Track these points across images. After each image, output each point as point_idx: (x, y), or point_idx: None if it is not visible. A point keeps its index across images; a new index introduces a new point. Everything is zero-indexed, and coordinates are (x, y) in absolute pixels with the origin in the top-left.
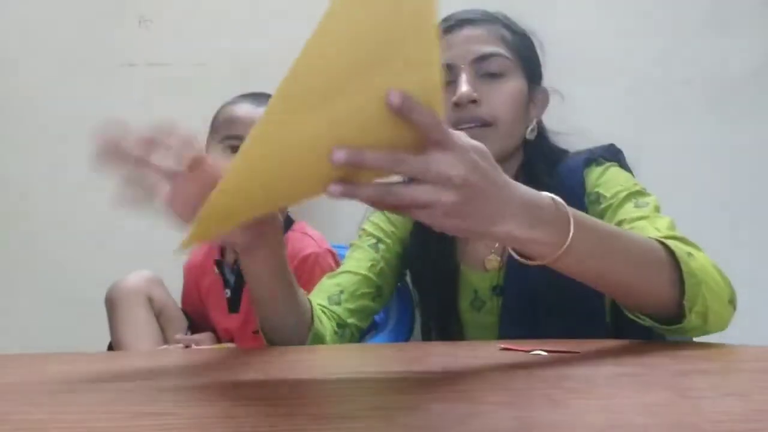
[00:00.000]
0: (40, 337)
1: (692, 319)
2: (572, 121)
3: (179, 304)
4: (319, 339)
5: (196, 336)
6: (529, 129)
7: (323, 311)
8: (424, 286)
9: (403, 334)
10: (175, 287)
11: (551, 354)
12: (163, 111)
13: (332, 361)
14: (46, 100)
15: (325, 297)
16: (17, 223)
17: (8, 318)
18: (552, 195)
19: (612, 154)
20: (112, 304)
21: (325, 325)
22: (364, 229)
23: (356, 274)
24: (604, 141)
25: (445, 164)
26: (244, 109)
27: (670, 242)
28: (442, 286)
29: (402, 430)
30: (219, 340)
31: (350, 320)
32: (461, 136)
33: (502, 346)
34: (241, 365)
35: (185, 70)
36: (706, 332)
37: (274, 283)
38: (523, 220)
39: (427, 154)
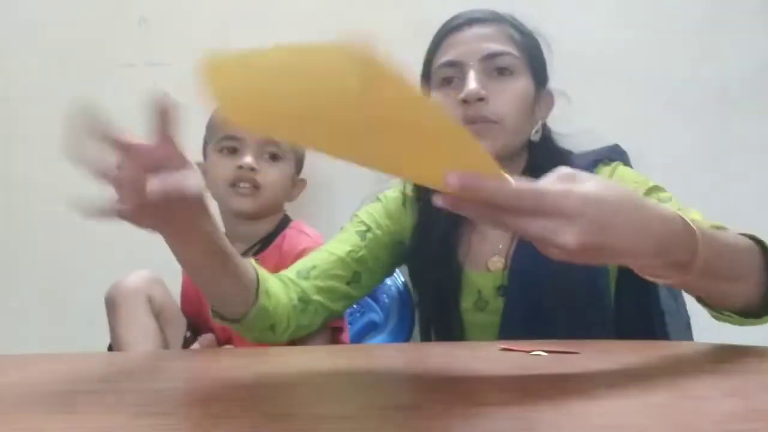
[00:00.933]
0: (40, 337)
1: None
2: (572, 122)
3: (179, 305)
4: (263, 314)
5: (199, 340)
6: (534, 130)
7: (286, 282)
8: (424, 285)
9: (403, 335)
10: (175, 288)
11: (551, 354)
12: None
13: (332, 361)
14: (46, 100)
15: (294, 271)
16: (17, 223)
17: (8, 318)
18: (684, 216)
19: (617, 155)
20: (111, 304)
21: (279, 299)
22: (356, 215)
23: (333, 254)
24: (605, 141)
25: (554, 232)
26: None
27: (758, 236)
28: (445, 286)
29: (402, 430)
30: (219, 342)
31: (316, 297)
32: (555, 197)
33: (503, 346)
34: (241, 365)
35: (185, 70)
36: None
37: (204, 264)
38: (649, 252)
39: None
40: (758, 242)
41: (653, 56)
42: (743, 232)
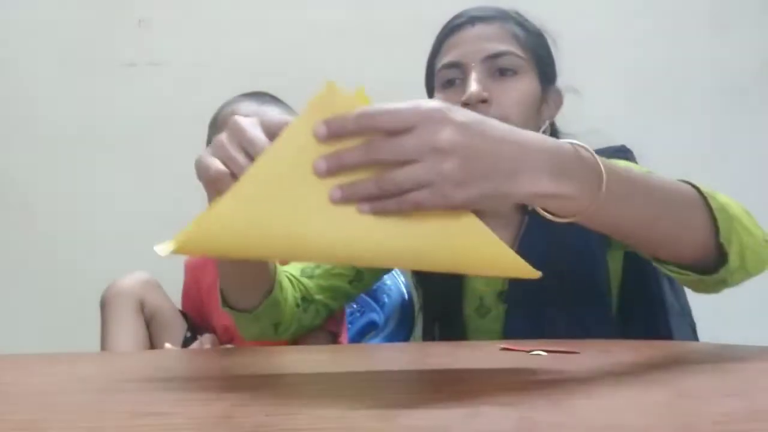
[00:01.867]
0: (40, 337)
1: (732, 259)
2: (573, 121)
3: (178, 306)
4: (273, 306)
5: (199, 340)
6: (542, 130)
7: (291, 280)
8: (427, 289)
9: (403, 335)
10: (174, 288)
11: (551, 354)
12: (163, 111)
13: (332, 361)
14: (46, 100)
15: (299, 268)
16: (17, 223)
17: (8, 318)
18: (571, 140)
19: (622, 154)
20: (103, 308)
21: (287, 296)
22: None
23: None
24: (606, 141)
25: (425, 135)
26: (248, 109)
27: (694, 182)
28: (448, 291)
29: (402, 430)
30: (220, 342)
31: (318, 296)
32: (417, 104)
33: (503, 346)
34: (240, 365)
35: (185, 70)
36: (748, 274)
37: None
38: (544, 172)
39: (398, 136)
40: (696, 189)
41: (654, 56)
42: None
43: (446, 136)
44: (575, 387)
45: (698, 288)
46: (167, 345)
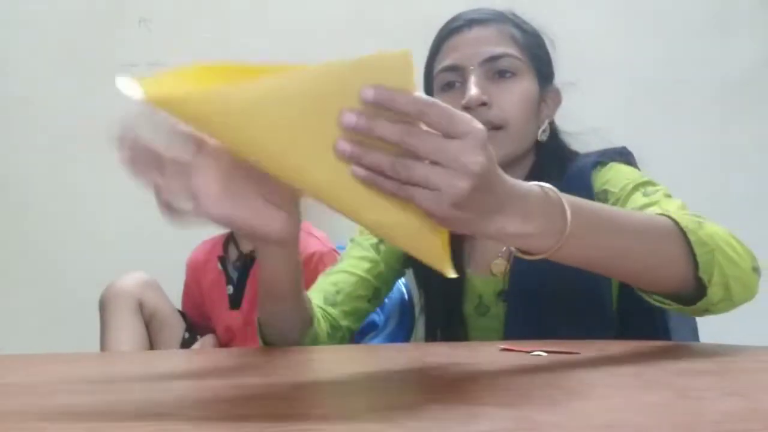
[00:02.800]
0: (39, 337)
1: (714, 291)
2: (572, 121)
3: (178, 306)
4: (314, 340)
5: (200, 341)
6: (541, 130)
7: (320, 310)
8: (428, 289)
9: (403, 336)
10: (174, 288)
11: (551, 354)
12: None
13: (332, 361)
14: (46, 100)
15: (321, 297)
16: (17, 223)
17: (8, 318)
18: (541, 183)
19: (622, 156)
20: (102, 308)
21: (323, 327)
22: None
23: (353, 274)
24: (606, 141)
25: (464, 150)
26: None
27: (676, 215)
28: (448, 290)
29: (402, 430)
30: (220, 341)
31: (344, 322)
32: (471, 120)
33: (502, 346)
34: (241, 365)
35: None
36: (733, 303)
37: (287, 282)
38: (514, 214)
39: (443, 138)
40: (670, 218)
41: (653, 56)
42: (666, 214)
43: (481, 160)
44: (575, 387)
45: (683, 313)
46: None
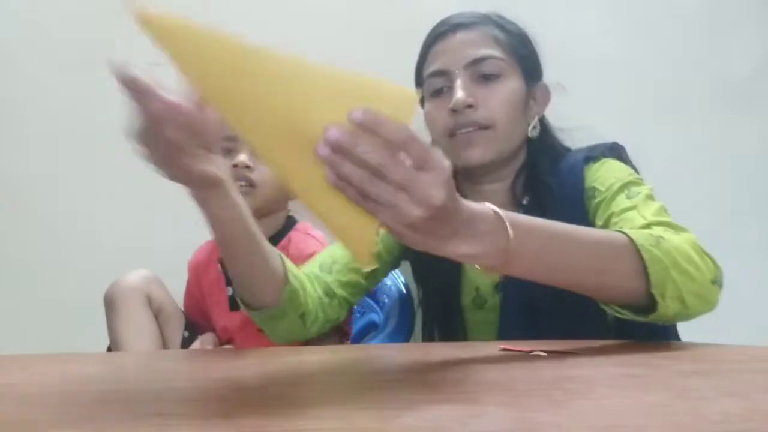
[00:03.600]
0: (39, 337)
1: (669, 305)
2: (572, 121)
3: (179, 304)
4: (294, 296)
5: (199, 339)
6: (531, 127)
7: (309, 277)
8: (426, 282)
9: (403, 335)
10: (174, 288)
11: (551, 354)
12: None
13: (332, 361)
14: (46, 100)
15: (316, 265)
16: (17, 223)
17: (8, 318)
18: (492, 207)
19: (613, 151)
20: (110, 303)
21: (306, 287)
22: None
23: None
24: (602, 138)
25: (429, 183)
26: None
27: (634, 233)
28: (445, 283)
29: (402, 430)
30: (219, 342)
31: (339, 291)
32: (440, 156)
33: (503, 346)
34: (241, 365)
35: None
36: (689, 315)
37: (235, 226)
38: (464, 236)
39: (414, 170)
40: (627, 236)
41: (653, 56)
42: (624, 231)
43: (441, 195)
44: (575, 387)
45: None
46: (196, 344)
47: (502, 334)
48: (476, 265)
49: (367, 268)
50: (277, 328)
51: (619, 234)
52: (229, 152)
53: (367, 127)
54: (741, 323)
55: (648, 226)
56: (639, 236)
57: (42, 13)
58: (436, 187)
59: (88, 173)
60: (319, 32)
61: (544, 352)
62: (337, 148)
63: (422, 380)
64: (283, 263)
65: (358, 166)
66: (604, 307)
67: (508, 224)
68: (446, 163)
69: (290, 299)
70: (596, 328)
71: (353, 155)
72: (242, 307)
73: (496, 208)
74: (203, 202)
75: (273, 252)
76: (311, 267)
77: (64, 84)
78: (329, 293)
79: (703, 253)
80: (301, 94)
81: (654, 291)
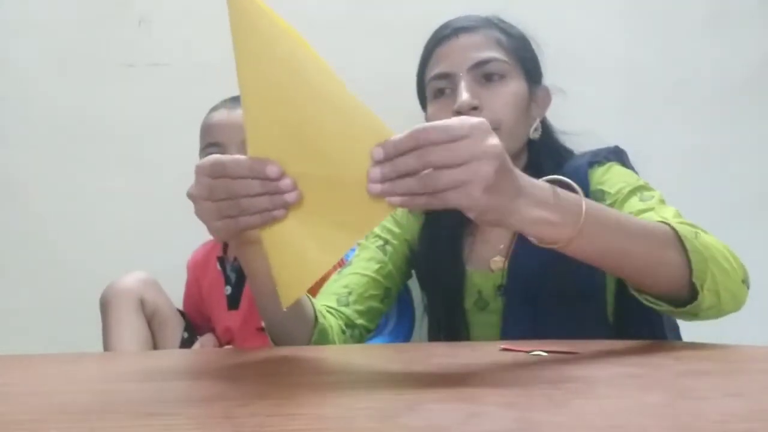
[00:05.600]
0: (39, 337)
1: (705, 296)
2: (572, 121)
3: (178, 306)
4: (324, 335)
5: (200, 340)
6: (533, 128)
7: (330, 312)
8: (431, 286)
9: (403, 336)
10: (174, 288)
11: (551, 354)
12: (164, 111)
13: (332, 361)
14: (46, 100)
15: (333, 299)
16: (17, 222)
17: (8, 318)
18: (547, 178)
19: (616, 155)
20: (104, 307)
21: (332, 323)
22: (371, 230)
23: (364, 275)
24: (604, 141)
25: (476, 142)
26: (218, 116)
27: (674, 223)
28: (449, 286)
29: (402, 430)
30: (219, 342)
31: (359, 321)
32: (465, 119)
33: (503, 346)
34: (241, 365)
35: (185, 70)
36: (721, 311)
37: (266, 281)
38: (531, 198)
39: (453, 143)
40: (669, 226)
41: (653, 56)
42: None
43: (494, 141)
44: (575, 387)
45: (671, 316)
46: (196, 345)
47: (504, 336)
48: (534, 238)
49: (284, 308)
50: None
51: (663, 224)
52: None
53: (392, 155)
54: (741, 323)
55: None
56: (680, 227)
57: (41, 13)
58: (485, 140)
59: (88, 173)
60: (319, 32)
61: (545, 351)
62: (383, 179)
63: (422, 380)
64: (312, 305)
65: (408, 177)
66: (639, 297)
67: (583, 201)
68: (475, 120)
69: (320, 339)
70: (597, 329)
71: (399, 171)
72: (271, 343)
73: (561, 177)
74: (241, 255)
75: (304, 296)
76: (328, 300)
77: (64, 84)
78: (350, 325)
79: (732, 253)
80: (327, 116)
81: (695, 281)
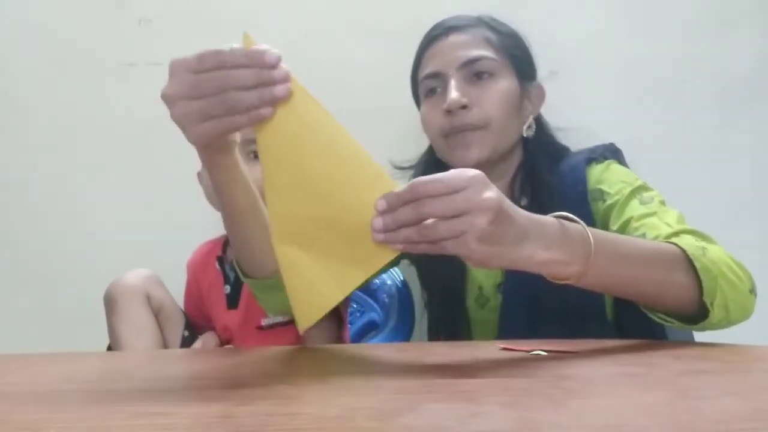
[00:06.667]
0: (40, 337)
1: (716, 313)
2: (572, 121)
3: (179, 304)
4: None
5: (201, 338)
6: (526, 126)
7: None
8: (432, 283)
9: (403, 335)
10: (174, 287)
11: (551, 354)
12: (163, 111)
13: (332, 361)
14: (46, 100)
15: None
16: (17, 222)
17: (8, 318)
18: (554, 215)
19: (612, 153)
20: (110, 302)
21: None
22: None
23: None
24: (604, 141)
25: (473, 194)
26: None
27: (682, 242)
28: (450, 282)
29: (402, 430)
30: (220, 341)
31: None
32: (462, 171)
33: (502, 346)
34: (241, 365)
35: None
36: (730, 323)
37: (240, 192)
38: (538, 241)
39: (450, 195)
40: (677, 246)
41: (653, 56)
42: (673, 242)
43: (491, 195)
44: (575, 387)
45: (681, 329)
46: (197, 344)
47: (502, 334)
48: (547, 274)
49: (301, 331)
50: (270, 299)
51: (671, 245)
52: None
53: (394, 206)
54: (741, 323)
55: (676, 234)
56: (689, 247)
57: (41, 12)
58: (481, 193)
59: (88, 173)
60: (319, 32)
61: (544, 351)
62: (385, 229)
63: (422, 380)
64: None
65: (407, 227)
66: (652, 316)
67: (589, 233)
68: (472, 172)
69: None
70: (596, 328)
71: (399, 222)
72: (240, 275)
73: (566, 213)
74: (213, 165)
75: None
76: None
77: (64, 84)
78: None
79: (738, 263)
80: (340, 168)
81: (706, 299)
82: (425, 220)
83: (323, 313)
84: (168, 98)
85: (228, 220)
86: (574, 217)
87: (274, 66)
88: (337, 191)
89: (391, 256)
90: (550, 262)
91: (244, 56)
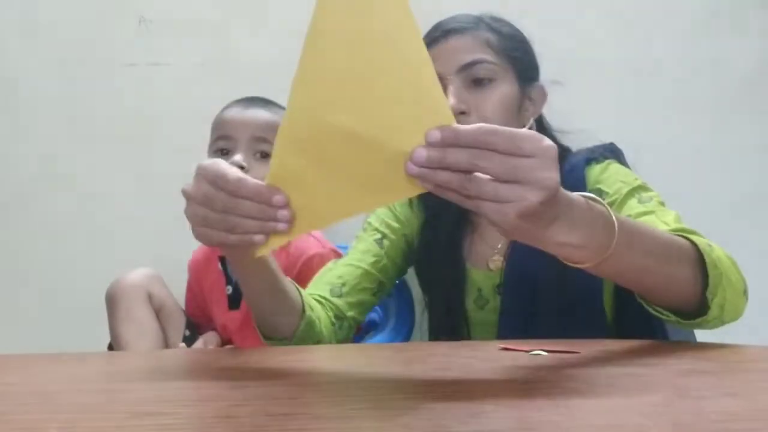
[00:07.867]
0: (40, 337)
1: (713, 310)
2: (572, 121)
3: (180, 303)
4: (310, 326)
5: (202, 338)
6: (527, 128)
7: (320, 302)
8: (432, 285)
9: (403, 334)
10: (175, 287)
11: (551, 354)
12: (163, 111)
13: (332, 361)
14: (46, 100)
15: (326, 288)
16: (17, 222)
17: (8, 318)
18: (585, 194)
19: (612, 153)
20: (112, 301)
21: (320, 316)
22: (369, 223)
23: (359, 267)
24: (605, 141)
25: (539, 167)
26: (231, 112)
27: (694, 237)
28: (450, 284)
29: (402, 430)
30: (222, 341)
31: (349, 313)
32: (541, 138)
33: (502, 346)
34: (241, 365)
35: (185, 70)
36: (723, 323)
37: (260, 284)
38: (564, 223)
39: (515, 156)
40: (693, 244)
41: (653, 56)
42: (685, 235)
43: (553, 175)
44: (575, 387)
45: (675, 326)
46: (181, 344)
47: (502, 335)
48: (562, 257)
49: (265, 250)
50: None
51: (683, 239)
52: (226, 153)
53: (449, 142)
54: (741, 323)
55: (675, 233)
56: (699, 241)
57: (41, 13)
58: (547, 169)
59: (88, 173)
60: None
61: (544, 351)
62: (427, 163)
63: (422, 380)
64: (300, 296)
65: (449, 172)
66: (648, 308)
67: (614, 217)
68: (548, 143)
69: (307, 330)
70: (595, 329)
71: (446, 164)
72: (261, 338)
73: (592, 195)
74: (237, 262)
75: (291, 287)
76: (321, 290)
77: (64, 84)
78: (339, 317)
79: (736, 264)
80: (396, 78)
81: (708, 295)
82: (475, 171)
83: (311, 230)
84: (185, 195)
85: (248, 297)
86: (601, 200)
87: (280, 207)
88: (381, 103)
89: (413, 192)
90: (567, 245)
91: (252, 192)
